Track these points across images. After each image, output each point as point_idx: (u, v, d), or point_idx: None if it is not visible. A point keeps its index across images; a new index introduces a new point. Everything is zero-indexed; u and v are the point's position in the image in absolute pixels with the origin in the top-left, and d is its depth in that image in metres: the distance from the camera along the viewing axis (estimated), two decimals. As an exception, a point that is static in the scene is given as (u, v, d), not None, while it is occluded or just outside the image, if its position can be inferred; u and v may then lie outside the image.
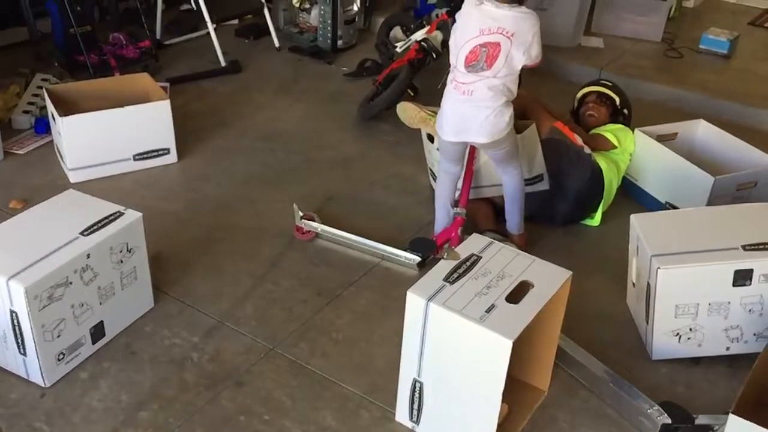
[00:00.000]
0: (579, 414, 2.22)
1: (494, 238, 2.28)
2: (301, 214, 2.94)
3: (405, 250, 2.81)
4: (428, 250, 2.79)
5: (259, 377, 2.29)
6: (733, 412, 1.78)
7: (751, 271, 2.25)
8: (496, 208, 3.09)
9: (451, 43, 2.62)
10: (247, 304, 2.59)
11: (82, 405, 2.16)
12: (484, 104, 2.52)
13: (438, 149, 3.06)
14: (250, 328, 2.48)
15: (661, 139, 3.25)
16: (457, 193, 2.91)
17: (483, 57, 2.50)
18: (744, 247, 2.28)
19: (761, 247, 2.27)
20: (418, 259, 2.78)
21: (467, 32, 2.54)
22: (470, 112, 2.55)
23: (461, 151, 2.75)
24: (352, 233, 2.88)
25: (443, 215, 2.86)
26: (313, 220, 2.94)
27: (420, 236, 2.89)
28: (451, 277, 1.99)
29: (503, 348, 1.81)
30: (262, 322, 2.51)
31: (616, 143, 3.20)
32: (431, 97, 3.52)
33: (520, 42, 2.48)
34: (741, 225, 2.40)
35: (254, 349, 2.40)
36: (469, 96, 2.53)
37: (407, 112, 3.02)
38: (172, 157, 3.43)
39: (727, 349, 2.38)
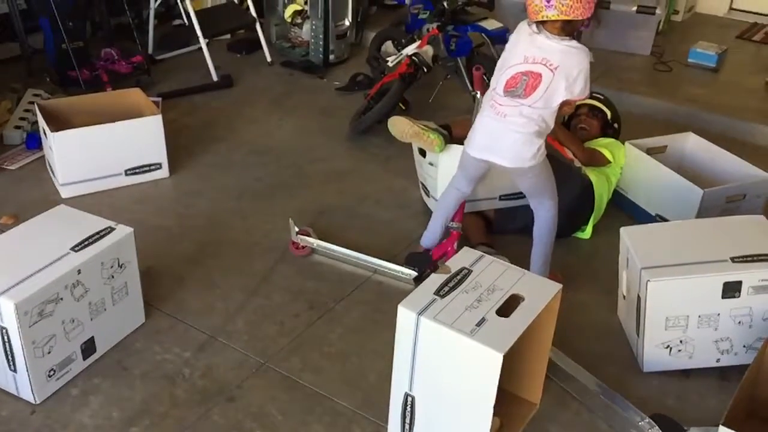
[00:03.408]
0: (571, 427, 2.22)
1: (486, 252, 2.28)
2: (296, 229, 2.94)
3: (401, 266, 2.81)
4: (425, 265, 2.79)
5: (250, 392, 2.29)
6: (723, 424, 1.78)
7: (740, 283, 2.26)
8: (489, 221, 3.10)
9: (498, 64, 2.57)
10: (239, 319, 2.59)
11: (73, 422, 2.15)
12: (515, 128, 2.46)
13: (430, 163, 3.09)
14: (242, 342, 2.48)
15: (651, 152, 3.27)
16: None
17: (522, 85, 2.44)
18: (733, 260, 2.29)
19: (750, 259, 2.29)
20: (414, 274, 2.78)
21: (512, 57, 2.49)
22: (500, 132, 2.50)
23: (481, 171, 2.68)
24: (345, 247, 2.88)
25: (437, 228, 2.84)
26: (309, 236, 2.94)
27: (416, 251, 2.88)
28: (442, 291, 2.00)
29: (494, 361, 1.81)
30: (254, 336, 2.51)
31: (611, 158, 3.22)
32: (422, 111, 3.55)
33: (564, 77, 2.40)
34: (730, 237, 2.41)
35: (246, 364, 2.39)
36: (502, 118, 2.48)
37: (398, 126, 3.02)
38: (163, 172, 3.44)
39: (718, 361, 2.39)
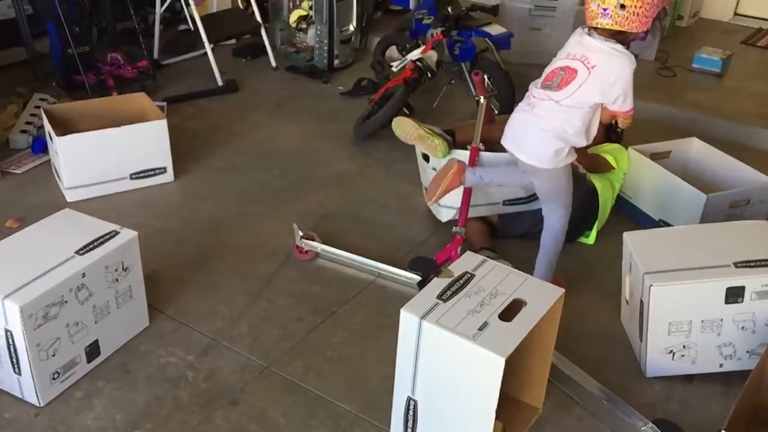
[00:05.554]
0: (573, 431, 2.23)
1: (488, 256, 2.29)
2: (301, 233, 2.94)
3: (405, 270, 2.81)
4: (429, 270, 2.78)
5: (253, 396, 2.29)
6: (726, 429, 1.78)
7: (743, 288, 2.26)
8: (491, 226, 3.11)
9: None
10: (242, 323, 2.60)
11: (77, 424, 2.16)
12: (540, 123, 2.46)
13: (433, 168, 3.09)
14: (245, 346, 2.49)
15: (655, 157, 3.27)
16: (454, 213, 2.92)
17: (558, 79, 2.44)
18: (736, 265, 2.29)
19: (753, 264, 2.29)
20: (418, 278, 2.78)
21: (559, 55, 2.51)
22: (525, 124, 2.51)
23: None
24: (349, 252, 2.88)
25: (487, 177, 2.76)
26: (313, 240, 2.95)
27: (420, 256, 2.87)
28: (445, 295, 2.00)
29: (496, 366, 1.81)
30: (257, 340, 2.52)
31: (614, 165, 3.22)
32: (426, 116, 3.55)
33: (600, 77, 2.38)
34: (733, 242, 2.41)
35: (249, 368, 2.40)
36: (531, 109, 2.49)
37: (403, 127, 3.02)
38: (168, 176, 3.45)
39: (721, 366, 2.38)
